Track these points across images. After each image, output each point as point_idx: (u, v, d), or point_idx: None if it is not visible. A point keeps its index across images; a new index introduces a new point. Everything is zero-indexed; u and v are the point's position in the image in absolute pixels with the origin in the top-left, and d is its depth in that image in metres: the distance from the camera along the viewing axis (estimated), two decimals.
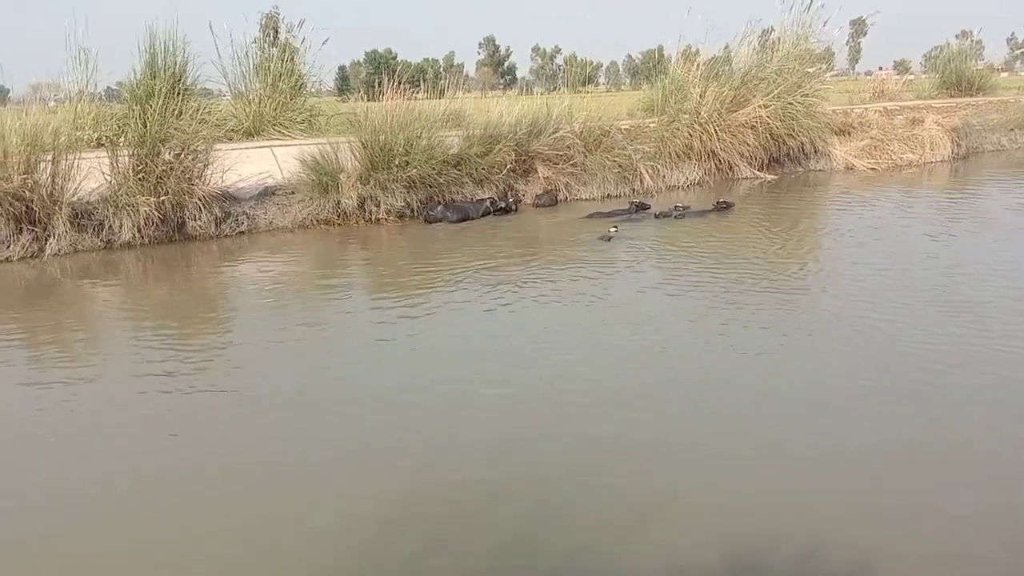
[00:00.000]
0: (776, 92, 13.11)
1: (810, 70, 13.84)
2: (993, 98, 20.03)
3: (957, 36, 25.50)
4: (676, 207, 10.06)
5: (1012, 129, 17.98)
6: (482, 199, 10.64)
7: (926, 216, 10.00)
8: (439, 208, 10.09)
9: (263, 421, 4.28)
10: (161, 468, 3.79)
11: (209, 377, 4.95)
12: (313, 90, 13.29)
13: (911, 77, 25.56)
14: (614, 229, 8.86)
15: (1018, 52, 33.37)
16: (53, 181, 8.34)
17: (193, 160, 9.02)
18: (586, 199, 11.57)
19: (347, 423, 4.23)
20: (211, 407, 4.52)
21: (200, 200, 8.95)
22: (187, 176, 8.92)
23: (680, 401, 4.38)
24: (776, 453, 3.76)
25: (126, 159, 8.78)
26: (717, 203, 10.46)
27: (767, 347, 5.15)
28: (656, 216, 9.91)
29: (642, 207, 10.34)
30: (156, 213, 8.66)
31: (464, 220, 10.00)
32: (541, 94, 14.69)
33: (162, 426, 4.25)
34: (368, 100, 12.98)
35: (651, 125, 13.20)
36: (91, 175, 8.67)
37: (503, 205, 10.55)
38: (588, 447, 3.86)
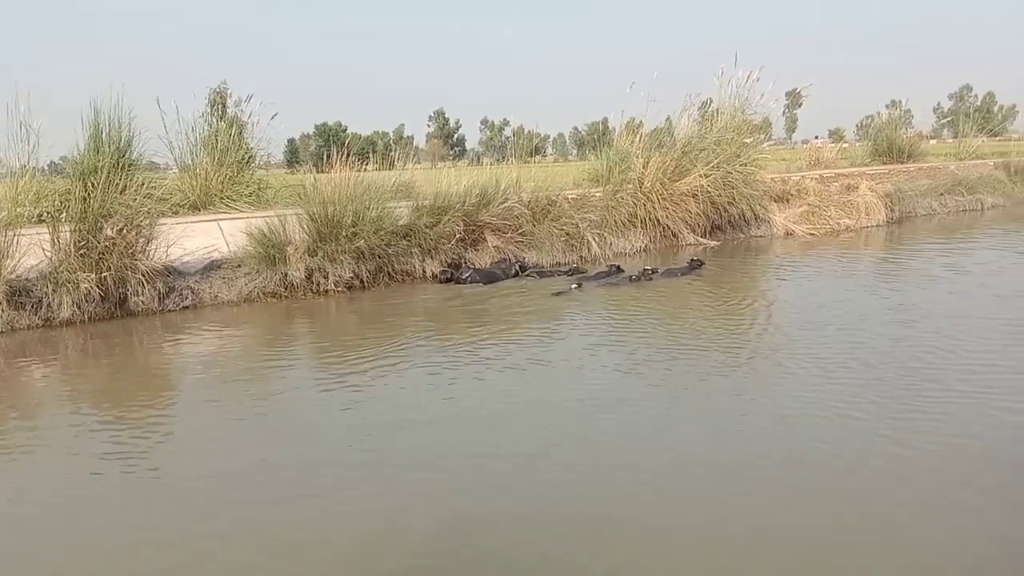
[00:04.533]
0: (716, 162, 13.57)
1: (748, 140, 14.39)
2: (923, 164, 20.99)
3: (887, 106, 26.83)
4: (645, 270, 10.45)
5: (942, 194, 18.78)
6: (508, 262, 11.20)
7: (864, 279, 10.33)
8: (470, 272, 10.58)
9: (199, 504, 4.16)
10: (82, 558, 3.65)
11: (149, 459, 4.81)
12: (262, 163, 13.34)
13: (845, 145, 26.71)
14: (575, 286, 9.78)
15: (944, 121, 35.08)
16: None
17: (136, 235, 8.93)
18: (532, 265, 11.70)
19: (279, 510, 4.12)
20: (147, 490, 4.38)
21: (143, 275, 8.82)
22: (130, 251, 8.81)
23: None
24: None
25: (67, 235, 8.65)
26: (691, 261, 11.12)
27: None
28: (631, 279, 10.25)
29: (619, 270, 10.73)
30: (97, 289, 8.51)
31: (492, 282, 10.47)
32: (490, 165, 14.95)
33: (96, 512, 4.10)
34: (317, 172, 13.05)
35: (597, 194, 13.51)
36: (31, 251, 8.50)
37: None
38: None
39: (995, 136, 34.68)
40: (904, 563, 3.39)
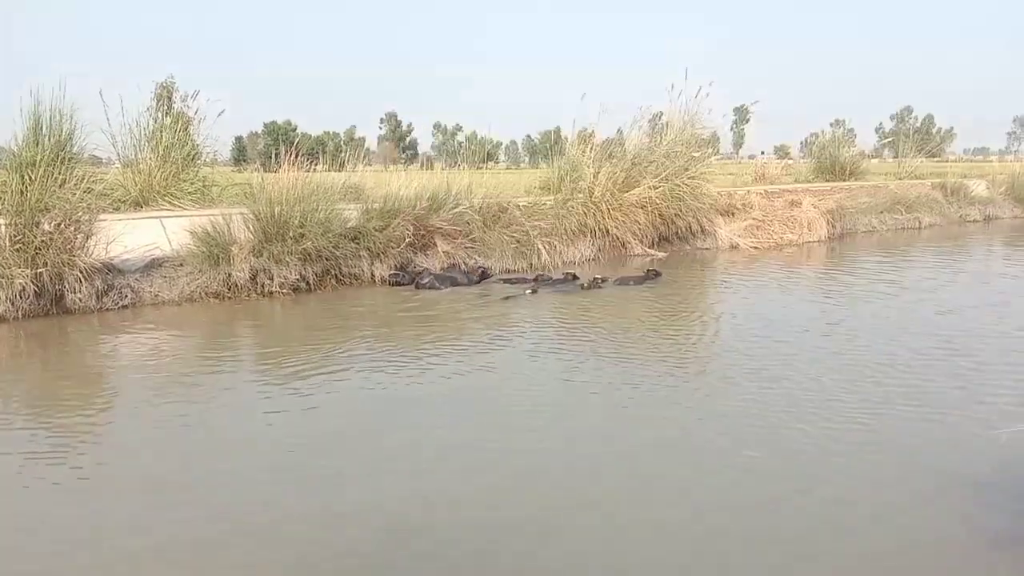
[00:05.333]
0: (665, 174, 13.77)
1: (696, 154, 14.63)
2: (864, 183, 21.57)
3: (831, 124, 27.57)
4: (595, 279, 10.59)
5: (882, 212, 19.32)
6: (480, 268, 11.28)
7: (806, 293, 10.59)
8: (429, 277, 10.57)
9: (127, 508, 4.05)
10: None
11: (78, 462, 4.68)
12: (207, 160, 13.08)
13: (790, 161, 27.29)
14: (529, 291, 10.13)
15: (886, 141, 36.13)
16: None
17: (75, 231, 8.68)
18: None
19: (213, 511, 4.04)
20: (76, 492, 4.25)
21: (81, 272, 8.57)
22: (68, 247, 8.55)
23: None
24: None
25: (2, 228, 8.37)
26: (647, 271, 11.32)
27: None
28: (582, 287, 10.40)
29: (575, 278, 10.86)
30: (32, 285, 8.25)
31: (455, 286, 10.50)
32: (442, 170, 14.92)
33: (23, 518, 3.97)
34: (265, 171, 12.86)
35: (548, 203, 13.58)
36: None
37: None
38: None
39: (933, 157, 35.81)
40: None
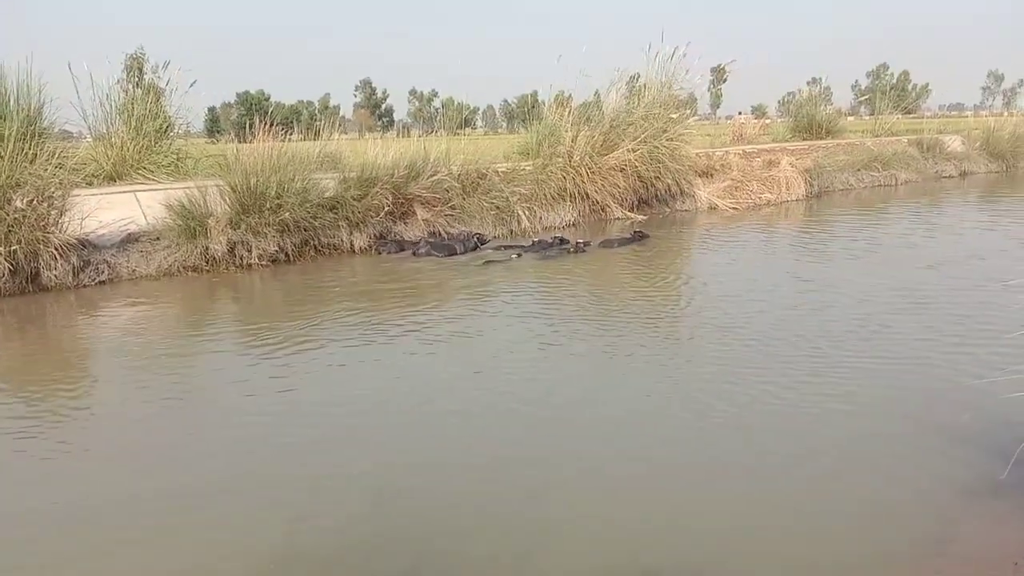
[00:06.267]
0: (643, 136, 13.72)
1: (674, 115, 14.58)
2: (841, 141, 21.65)
3: (808, 83, 27.53)
4: (578, 243, 10.70)
5: (859, 170, 19.41)
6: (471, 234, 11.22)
7: (784, 253, 10.67)
8: (426, 245, 10.64)
9: (110, 478, 4.06)
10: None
11: (60, 439, 4.67)
12: (181, 132, 12.89)
13: (768, 121, 27.32)
14: (516, 255, 10.22)
15: (862, 99, 36.17)
16: None
17: (48, 207, 8.56)
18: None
19: (193, 495, 4.06)
20: (58, 470, 4.25)
21: (56, 249, 8.47)
22: (41, 224, 8.44)
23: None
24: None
25: None
26: (634, 233, 11.50)
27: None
28: (569, 251, 10.47)
29: (563, 241, 10.87)
30: (7, 263, 8.14)
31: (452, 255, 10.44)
32: (419, 137, 14.80)
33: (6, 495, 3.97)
34: (239, 142, 12.70)
35: (527, 168, 13.52)
36: None
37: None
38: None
39: (909, 114, 35.92)
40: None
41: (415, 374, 5.72)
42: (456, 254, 10.53)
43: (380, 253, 10.64)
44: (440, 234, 11.38)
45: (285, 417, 4.90)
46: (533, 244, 10.88)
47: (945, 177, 21.54)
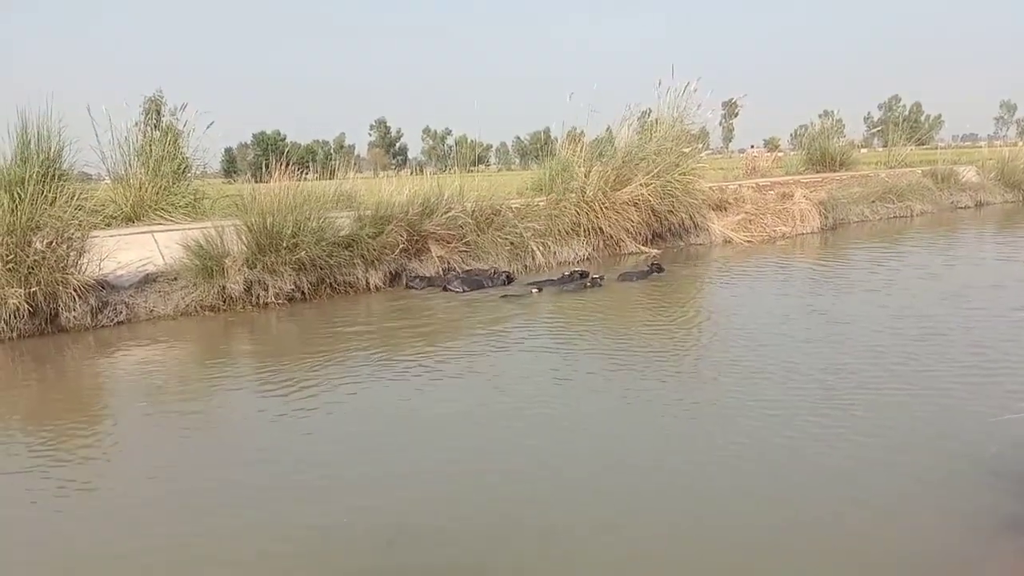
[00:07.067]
0: (656, 171, 13.76)
1: (686, 150, 14.63)
2: (855, 173, 21.63)
3: (820, 115, 27.62)
4: (594, 277, 10.70)
5: (873, 201, 19.35)
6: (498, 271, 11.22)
7: (801, 286, 10.61)
8: (458, 280, 10.71)
9: (138, 527, 4.04)
10: None
11: (81, 480, 4.66)
12: (198, 173, 13.05)
13: (781, 154, 27.37)
14: (536, 291, 10.24)
15: (874, 130, 36.24)
16: None
17: (68, 248, 8.65)
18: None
19: (210, 531, 4.03)
20: (80, 509, 4.24)
21: (75, 290, 8.54)
22: (61, 265, 8.53)
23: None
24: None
25: None
26: (651, 265, 11.52)
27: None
28: (586, 286, 10.46)
29: (583, 275, 10.88)
30: (27, 305, 8.21)
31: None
32: (433, 174, 14.91)
33: (28, 536, 3.95)
34: (256, 182, 12.83)
35: (540, 203, 13.58)
36: None
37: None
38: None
39: (922, 145, 35.90)
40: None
41: (429, 417, 5.67)
42: (484, 288, 10.57)
43: (409, 288, 10.77)
44: (470, 270, 11.37)
45: (302, 461, 4.87)
46: (562, 278, 10.84)
47: (961, 208, 21.45)
